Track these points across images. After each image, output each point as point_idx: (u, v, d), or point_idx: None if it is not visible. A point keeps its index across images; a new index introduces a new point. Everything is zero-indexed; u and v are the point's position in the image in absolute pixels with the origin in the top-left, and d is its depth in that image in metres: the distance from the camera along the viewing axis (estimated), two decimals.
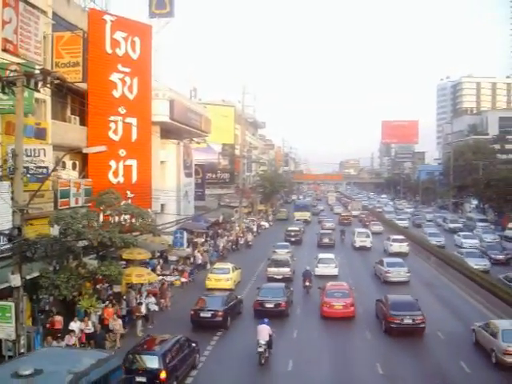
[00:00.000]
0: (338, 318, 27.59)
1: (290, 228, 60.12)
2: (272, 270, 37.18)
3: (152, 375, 17.60)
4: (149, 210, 31.81)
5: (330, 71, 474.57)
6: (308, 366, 21.27)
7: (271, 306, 27.52)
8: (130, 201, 31.23)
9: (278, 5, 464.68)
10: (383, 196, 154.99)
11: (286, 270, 37.01)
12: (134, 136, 34.29)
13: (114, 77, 33.15)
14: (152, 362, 17.97)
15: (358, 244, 53.93)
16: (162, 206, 40.20)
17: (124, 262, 29.19)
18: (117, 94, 33.27)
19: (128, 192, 32.39)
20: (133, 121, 33.97)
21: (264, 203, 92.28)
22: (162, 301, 29.44)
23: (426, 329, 24.84)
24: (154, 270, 32.41)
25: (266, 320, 22.20)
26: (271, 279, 35.79)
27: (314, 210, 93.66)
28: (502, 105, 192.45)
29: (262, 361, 21.16)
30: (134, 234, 27.27)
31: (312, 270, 36.48)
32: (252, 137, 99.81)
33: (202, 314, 25.69)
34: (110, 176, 32.78)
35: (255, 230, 64.68)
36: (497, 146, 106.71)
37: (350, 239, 56.74)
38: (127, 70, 33.70)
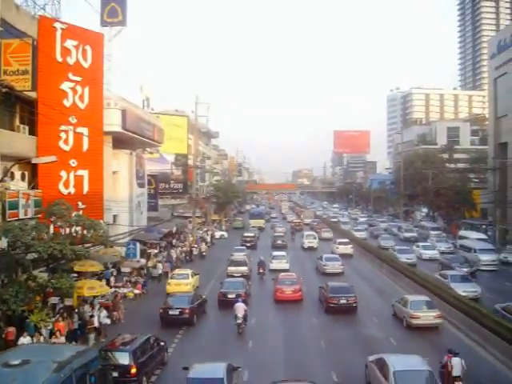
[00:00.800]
0: (289, 301, 33.43)
1: (245, 234, 64.88)
2: (231, 268, 41.30)
3: (123, 370, 18.87)
4: (101, 221, 31.22)
5: (283, 88, 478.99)
6: (265, 342, 25.88)
7: (233, 296, 30.79)
8: (81, 212, 30.58)
9: (230, 14, 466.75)
10: (335, 206, 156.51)
11: (244, 268, 41.51)
12: (86, 146, 33.59)
13: (65, 86, 32.46)
14: (123, 359, 19.25)
15: (306, 245, 61.08)
16: (115, 216, 39.59)
17: (75, 275, 28.56)
18: (67, 103, 32.58)
19: (79, 203, 31.76)
20: (84, 130, 33.35)
21: (218, 213, 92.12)
22: (115, 313, 28.94)
23: (357, 308, 30.96)
24: (107, 282, 31.86)
25: (240, 300, 27.56)
26: (231, 277, 38.62)
27: (267, 217, 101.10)
28: (450, 115, 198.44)
29: (240, 330, 26.46)
30: (86, 245, 26.77)
31: (267, 264, 43.86)
32: (205, 147, 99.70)
33: (170, 312, 27.90)
34: (61, 187, 32.00)
35: (209, 240, 64.38)
36: (445, 156, 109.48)
37: (300, 241, 63.98)
38: (78, 78, 33.06)
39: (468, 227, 71.96)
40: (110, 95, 37.80)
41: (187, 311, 27.79)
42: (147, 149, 51.04)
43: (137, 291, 34.86)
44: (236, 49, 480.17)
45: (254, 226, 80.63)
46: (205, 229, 71.39)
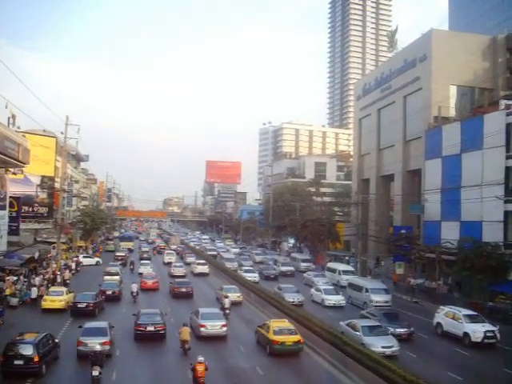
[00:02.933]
0: (150, 289, 50.72)
1: (117, 254, 78.27)
2: (106, 277, 51.93)
3: (27, 359, 22.90)
4: None
5: (157, 116, 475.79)
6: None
7: (110, 293, 43.48)
8: None
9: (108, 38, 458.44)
10: (205, 237, 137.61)
11: (117, 277, 52.65)
12: None
13: None
14: (27, 350, 23.21)
15: (166, 260, 76.48)
16: None
17: None
18: None
19: None
20: None
21: (84, 239, 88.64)
22: None
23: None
24: None
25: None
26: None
27: (136, 241, 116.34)
28: (318, 151, 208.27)
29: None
30: None
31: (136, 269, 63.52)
32: (74, 170, 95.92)
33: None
34: None
35: (74, 267, 61.53)
36: (312, 189, 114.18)
37: (161, 259, 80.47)
38: None
39: (332, 258, 75.19)
40: None
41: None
42: (10, 169, 47.89)
43: None
44: (108, 71, 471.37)
45: (124, 248, 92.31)
46: (73, 255, 68.29)
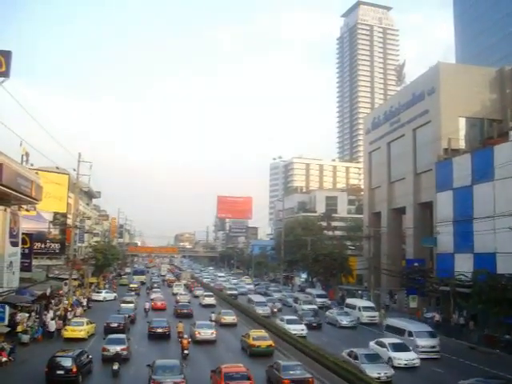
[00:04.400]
0: (159, 308, 62.52)
1: (131, 285, 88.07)
2: (123, 305, 58.14)
3: (67, 370, 27.87)
4: None
5: (168, 153, 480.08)
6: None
7: (127, 316, 48.54)
8: None
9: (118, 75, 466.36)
10: (220, 275, 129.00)
11: (131, 305, 58.41)
12: None
13: None
14: (67, 362, 28.27)
15: (174, 291, 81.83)
16: None
17: None
18: None
19: None
20: None
21: (96, 275, 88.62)
22: None
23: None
24: None
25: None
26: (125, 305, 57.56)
27: (148, 274, 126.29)
28: (329, 185, 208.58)
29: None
30: None
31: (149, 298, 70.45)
32: (86, 206, 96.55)
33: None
34: None
35: (85, 303, 61.41)
36: (324, 223, 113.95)
37: (170, 290, 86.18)
38: None
39: (345, 293, 74.46)
40: None
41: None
42: (23, 206, 48.31)
43: (4, 359, 32.06)
44: (120, 109, 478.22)
45: (137, 281, 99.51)
46: (82, 291, 68.23)
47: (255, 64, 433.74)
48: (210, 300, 69.35)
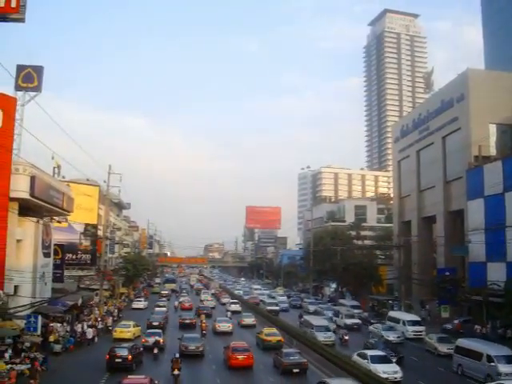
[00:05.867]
0: (186, 308, 73.37)
1: (163, 292, 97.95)
2: (157, 308, 64.27)
3: (124, 358, 34.02)
4: (0, 291, 29.43)
5: (196, 165, 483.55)
6: None
7: (156, 324, 52.02)
8: None
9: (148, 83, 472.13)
10: (256, 287, 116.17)
11: (164, 308, 65.60)
12: None
13: None
14: (124, 352, 34.45)
15: (202, 298, 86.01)
16: (16, 287, 37.37)
17: None
18: None
19: None
20: None
21: (126, 286, 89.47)
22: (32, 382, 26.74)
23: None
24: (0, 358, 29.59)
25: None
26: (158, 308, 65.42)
27: (178, 282, 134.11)
28: (357, 194, 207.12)
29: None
30: None
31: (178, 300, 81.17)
32: (116, 217, 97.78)
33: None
34: None
35: (116, 314, 61.98)
36: (353, 233, 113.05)
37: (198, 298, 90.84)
38: None
39: (375, 303, 73.60)
40: (19, 160, 36.58)
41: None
42: (55, 217, 49.20)
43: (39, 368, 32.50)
44: (146, 121, 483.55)
45: (168, 288, 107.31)
46: (113, 302, 68.97)
47: (279, 75, 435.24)
48: (237, 307, 72.48)
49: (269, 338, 43.55)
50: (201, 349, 40.11)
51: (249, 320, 58.94)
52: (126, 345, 36.50)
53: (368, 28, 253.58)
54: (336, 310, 63.85)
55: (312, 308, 73.40)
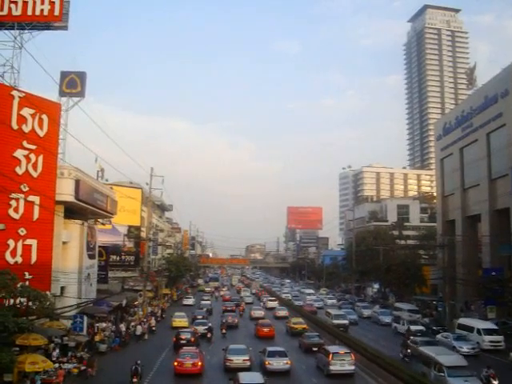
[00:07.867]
0: (227, 300, 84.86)
1: (207, 289, 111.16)
2: (202, 302, 76.13)
3: (188, 340, 41.40)
4: (47, 292, 30.22)
5: (236, 166, 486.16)
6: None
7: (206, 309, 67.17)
8: (27, 282, 29.55)
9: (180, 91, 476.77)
10: (309, 291, 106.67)
11: (208, 301, 76.87)
12: (36, 215, 33.04)
13: (18, 153, 32.23)
14: (187, 335, 42.40)
15: (242, 295, 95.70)
16: (62, 288, 38.38)
17: (17, 349, 27.16)
18: (20, 170, 32.25)
19: (26, 273, 30.79)
20: (35, 199, 32.84)
21: (169, 287, 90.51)
22: (89, 370, 27.46)
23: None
24: (47, 356, 30.33)
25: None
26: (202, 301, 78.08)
27: (220, 281, 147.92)
28: (400, 193, 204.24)
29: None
30: (30, 318, 25.69)
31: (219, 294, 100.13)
32: (159, 219, 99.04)
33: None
34: (8, 256, 31.07)
35: (159, 314, 62.75)
36: (395, 232, 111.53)
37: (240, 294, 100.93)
38: (33, 147, 32.89)
39: (419, 303, 72.40)
40: (64, 165, 37.51)
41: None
42: (99, 220, 50.25)
43: (83, 367, 33.22)
44: (187, 124, 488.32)
45: (211, 286, 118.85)
46: (156, 303, 69.89)
47: (319, 75, 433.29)
48: (274, 303, 78.65)
49: (296, 326, 51.70)
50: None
51: (282, 312, 66.97)
52: (188, 329, 46.06)
53: (408, 25, 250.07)
54: (396, 315, 59.83)
55: (366, 312, 68.26)
